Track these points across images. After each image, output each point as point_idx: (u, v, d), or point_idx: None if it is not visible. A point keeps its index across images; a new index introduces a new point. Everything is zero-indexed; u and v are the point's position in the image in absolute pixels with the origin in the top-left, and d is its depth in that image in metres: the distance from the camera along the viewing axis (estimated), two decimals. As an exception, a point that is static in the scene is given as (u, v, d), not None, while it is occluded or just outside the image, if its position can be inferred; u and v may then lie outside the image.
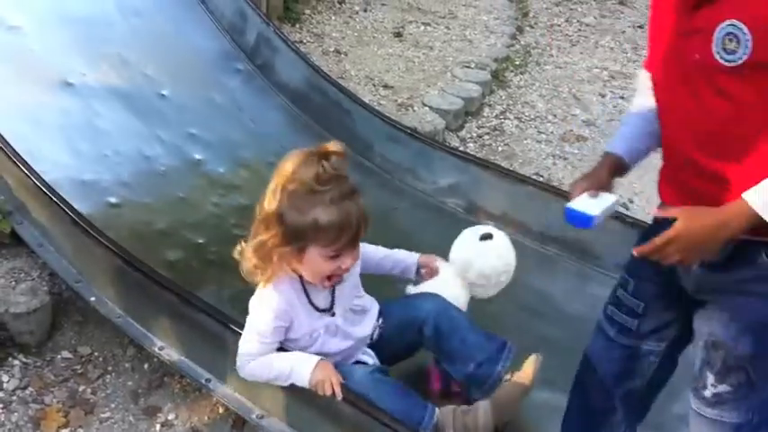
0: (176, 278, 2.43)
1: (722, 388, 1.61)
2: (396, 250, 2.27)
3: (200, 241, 2.85)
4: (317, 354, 1.99)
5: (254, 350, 1.98)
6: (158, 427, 2.31)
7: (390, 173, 3.29)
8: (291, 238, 1.81)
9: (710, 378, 1.62)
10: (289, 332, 2.00)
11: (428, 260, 2.26)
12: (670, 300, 1.73)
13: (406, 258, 2.26)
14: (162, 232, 2.87)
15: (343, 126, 3.46)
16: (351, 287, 2.06)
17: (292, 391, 2.04)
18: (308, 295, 1.99)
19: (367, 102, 3.64)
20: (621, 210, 3.30)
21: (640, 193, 3.56)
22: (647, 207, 3.44)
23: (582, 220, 1.66)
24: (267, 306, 1.95)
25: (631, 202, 3.48)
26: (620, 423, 1.88)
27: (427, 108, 4.01)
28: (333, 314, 2.02)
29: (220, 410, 2.35)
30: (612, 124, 4.09)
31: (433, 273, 2.24)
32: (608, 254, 2.79)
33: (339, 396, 1.90)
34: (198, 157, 3.22)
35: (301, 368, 1.94)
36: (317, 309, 1.99)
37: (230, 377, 2.21)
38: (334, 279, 1.93)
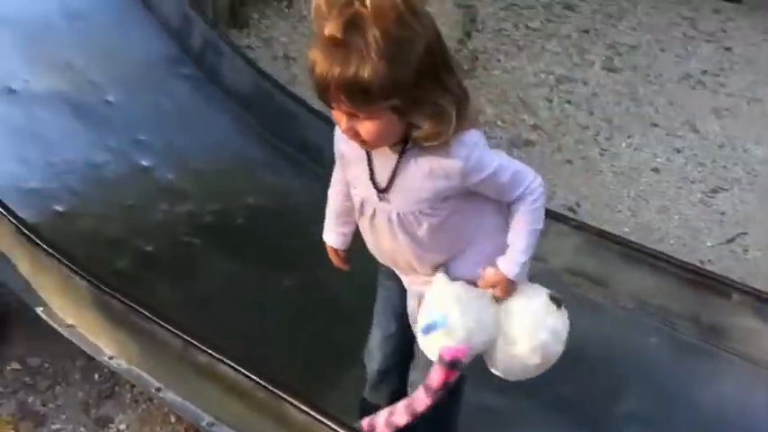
0: (125, 286, 2.40)
1: None
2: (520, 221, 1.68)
3: (149, 249, 2.83)
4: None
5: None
6: (109, 437, 2.30)
7: (341, 178, 3.29)
8: None
9: None
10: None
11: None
12: None
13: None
14: (111, 240, 2.84)
15: (293, 132, 3.46)
16: (418, 188, 1.60)
17: (241, 399, 2.05)
18: (369, 152, 1.63)
19: (316, 107, 3.64)
20: (568, 213, 3.36)
21: (587, 197, 3.62)
22: (592, 211, 3.51)
23: None
24: None
25: (578, 205, 3.55)
26: None
27: (377, 113, 4.02)
28: (383, 197, 1.64)
29: (172, 419, 2.34)
30: (559, 128, 4.16)
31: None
32: (553, 256, 2.84)
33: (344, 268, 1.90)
34: (146, 163, 3.19)
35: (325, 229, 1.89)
36: (371, 176, 1.63)
37: (180, 385, 2.21)
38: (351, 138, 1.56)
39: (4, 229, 2.53)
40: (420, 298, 1.76)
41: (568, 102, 4.43)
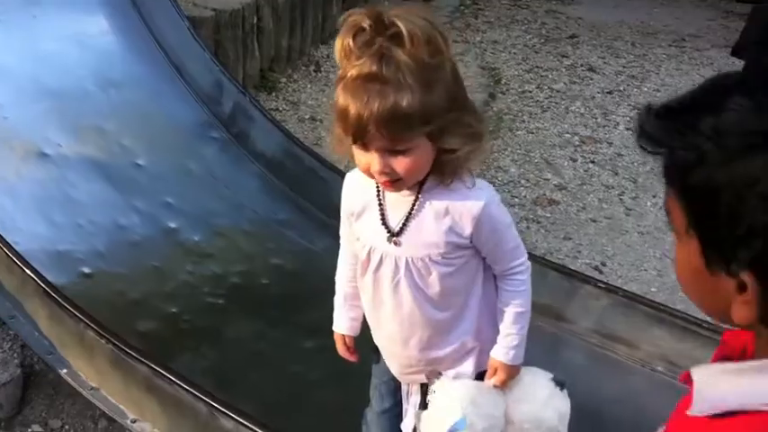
0: (149, 349, 2.41)
1: None
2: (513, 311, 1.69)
3: (174, 311, 2.84)
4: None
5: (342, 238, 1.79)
6: (130, 502, 2.27)
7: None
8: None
9: None
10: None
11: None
12: None
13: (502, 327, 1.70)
14: (135, 302, 2.86)
15: (319, 193, 3.48)
16: (432, 230, 1.59)
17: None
18: (380, 196, 1.63)
19: (342, 169, 3.67)
20: (594, 273, 3.34)
21: (613, 256, 3.60)
22: (619, 270, 3.48)
23: None
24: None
25: (604, 265, 3.52)
26: None
27: (402, 174, 4.05)
28: (395, 240, 1.61)
29: (193, 484, 2.31)
30: (584, 188, 4.16)
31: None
32: (581, 318, 2.81)
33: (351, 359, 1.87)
34: (173, 225, 3.23)
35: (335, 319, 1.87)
36: (383, 221, 1.62)
37: (203, 450, 2.19)
38: (382, 182, 1.55)
39: (30, 291, 2.56)
40: (410, 386, 1.78)
41: (593, 162, 4.44)
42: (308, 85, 5.06)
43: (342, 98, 1.44)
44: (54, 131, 3.43)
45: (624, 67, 5.81)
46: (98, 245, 3.04)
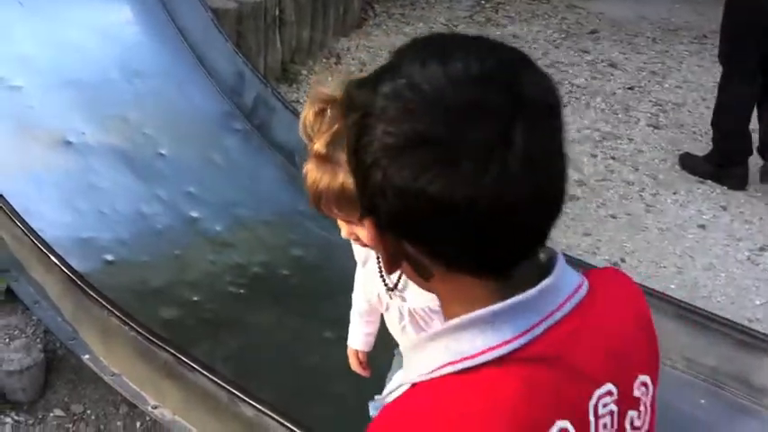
0: (171, 336, 2.44)
1: None
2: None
3: (196, 299, 2.87)
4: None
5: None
6: (150, 486, 2.31)
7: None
8: None
9: None
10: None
11: None
12: None
13: None
14: (157, 290, 2.89)
15: (339, 185, 3.50)
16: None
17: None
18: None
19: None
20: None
21: (632, 253, 3.60)
22: (638, 267, 3.48)
23: None
24: None
25: (623, 261, 3.52)
26: None
27: (421, 167, 4.06)
28: (393, 294, 1.69)
29: (213, 470, 2.34)
30: (603, 184, 4.15)
31: None
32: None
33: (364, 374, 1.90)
34: (195, 215, 3.26)
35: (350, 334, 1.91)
36: (381, 275, 1.68)
37: (223, 437, 2.22)
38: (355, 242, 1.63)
39: (53, 278, 2.59)
40: None
41: (613, 158, 4.42)
42: (329, 78, 5.08)
43: (306, 165, 1.49)
44: (78, 120, 3.47)
45: (645, 63, 5.77)
46: (121, 233, 3.08)
